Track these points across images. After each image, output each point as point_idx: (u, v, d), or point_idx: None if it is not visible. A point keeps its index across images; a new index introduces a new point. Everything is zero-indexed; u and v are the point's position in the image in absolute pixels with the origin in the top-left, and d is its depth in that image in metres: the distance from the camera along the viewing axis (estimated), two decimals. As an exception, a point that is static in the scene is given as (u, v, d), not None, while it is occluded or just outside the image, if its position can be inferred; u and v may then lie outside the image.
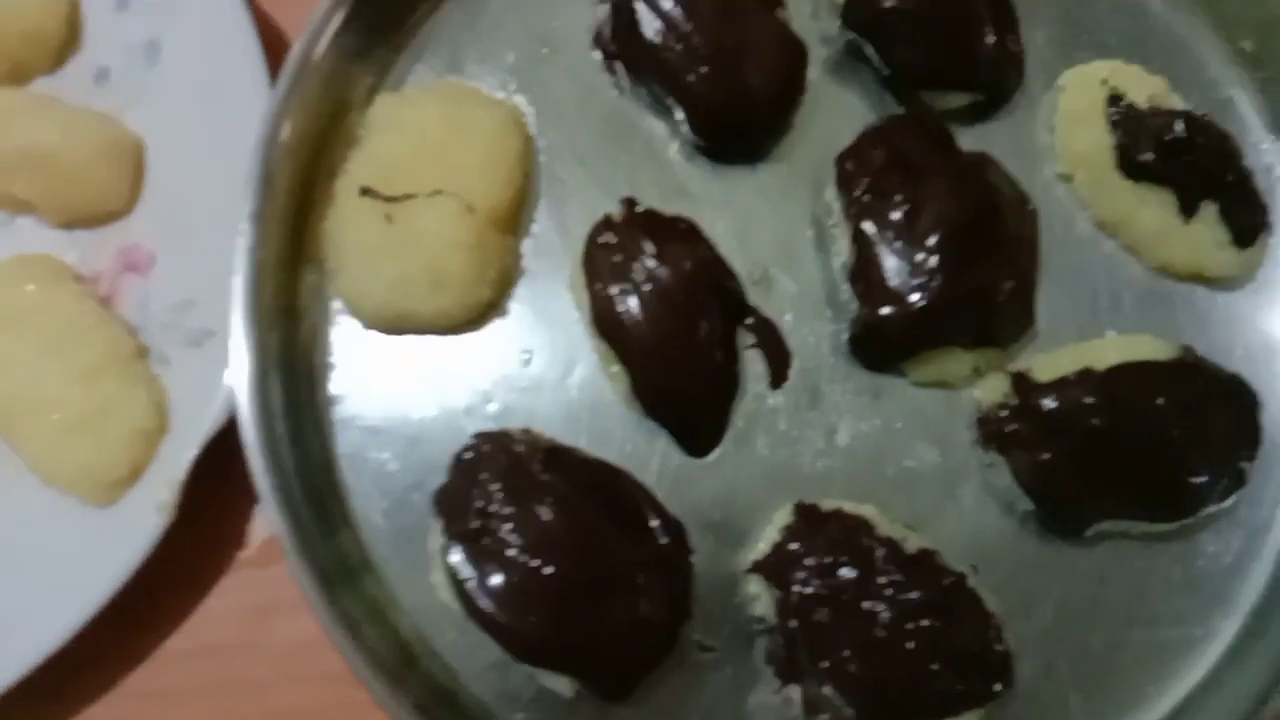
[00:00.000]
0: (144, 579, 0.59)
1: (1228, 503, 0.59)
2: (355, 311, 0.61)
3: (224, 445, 0.59)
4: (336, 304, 0.62)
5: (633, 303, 0.59)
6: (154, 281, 0.64)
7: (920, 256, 0.58)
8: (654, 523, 0.58)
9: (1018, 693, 0.57)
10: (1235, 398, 0.59)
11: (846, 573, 0.56)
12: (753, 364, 0.62)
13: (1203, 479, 0.57)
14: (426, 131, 0.61)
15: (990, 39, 0.63)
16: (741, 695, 0.58)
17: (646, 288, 0.59)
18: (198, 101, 0.65)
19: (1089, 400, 0.57)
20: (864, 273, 0.60)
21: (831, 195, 0.63)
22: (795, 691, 0.58)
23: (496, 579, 0.55)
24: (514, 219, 0.62)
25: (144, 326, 0.64)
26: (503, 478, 0.56)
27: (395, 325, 0.61)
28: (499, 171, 0.61)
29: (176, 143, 0.65)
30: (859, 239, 0.60)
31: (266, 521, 0.58)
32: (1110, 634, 0.60)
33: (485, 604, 0.55)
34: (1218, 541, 0.61)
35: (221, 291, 0.58)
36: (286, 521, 0.57)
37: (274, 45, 0.65)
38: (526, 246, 0.64)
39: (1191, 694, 0.59)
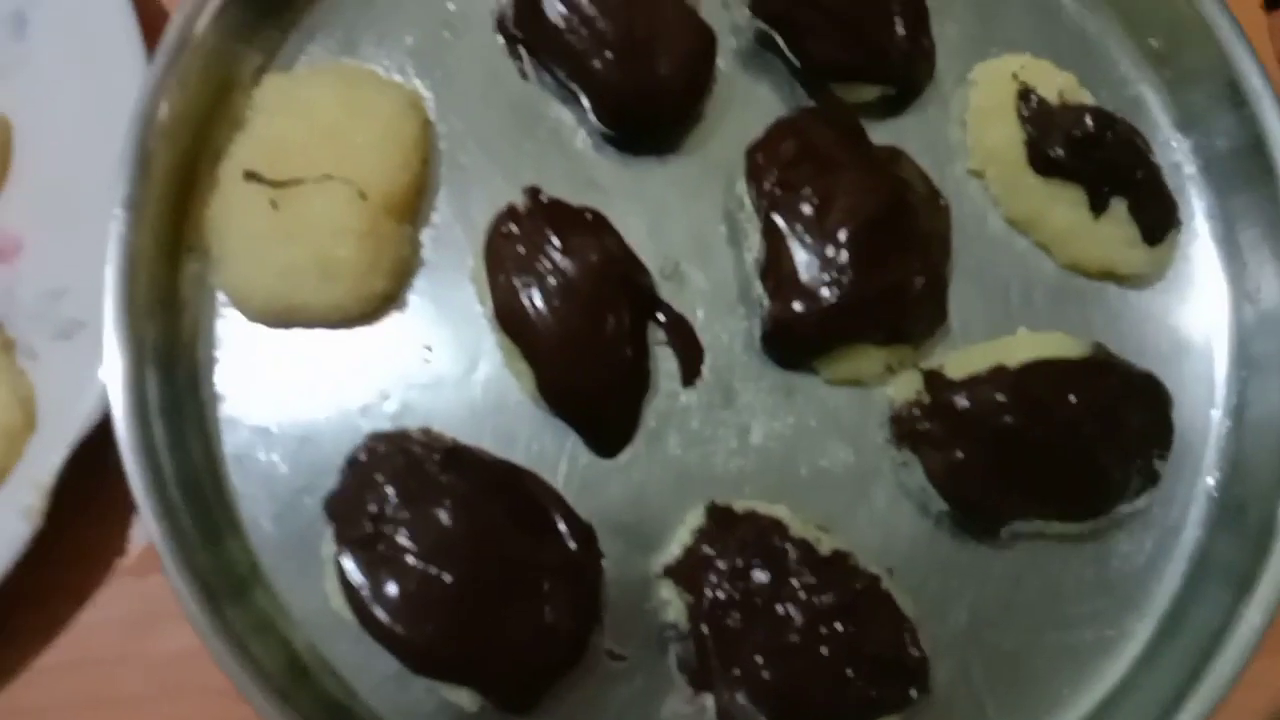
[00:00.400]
0: (11, 590, 0.54)
1: (1141, 502, 0.58)
2: (241, 303, 0.58)
3: (100, 445, 0.55)
4: (221, 295, 0.58)
5: (537, 297, 0.56)
6: (21, 269, 0.59)
7: (831, 251, 0.57)
8: (561, 526, 0.55)
9: (934, 698, 0.56)
10: (1148, 396, 0.58)
11: (759, 576, 0.54)
12: (664, 361, 0.60)
13: (1116, 477, 0.57)
14: (317, 113, 0.57)
15: (901, 32, 0.62)
16: (653, 704, 0.56)
17: (551, 281, 0.56)
18: (69, 78, 0.60)
19: (1001, 398, 0.56)
20: (774, 268, 0.58)
21: (742, 188, 0.62)
22: (708, 700, 0.55)
23: (391, 587, 0.51)
24: (411, 207, 0.59)
25: (9, 317, 0.59)
26: (398, 480, 0.53)
27: (284, 318, 0.58)
28: (394, 156, 0.58)
29: (46, 121, 0.61)
30: (769, 233, 0.59)
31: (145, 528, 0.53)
32: (1025, 636, 0.59)
33: (380, 614, 0.51)
34: (1131, 542, 0.60)
35: (95, 281, 0.54)
36: (165, 529, 0.53)
37: (153, 19, 0.61)
38: (426, 236, 0.61)
39: (1108, 696, 0.58)
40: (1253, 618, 0.57)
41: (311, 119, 0.57)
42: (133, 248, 0.55)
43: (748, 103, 0.64)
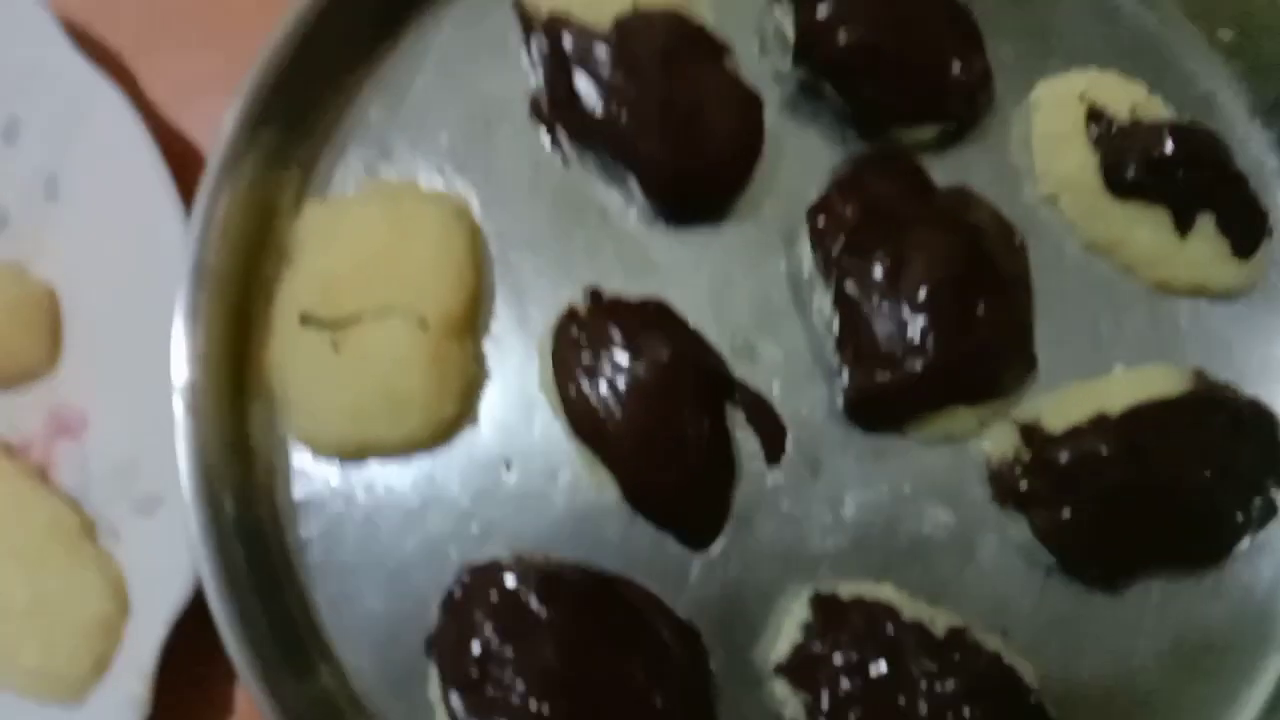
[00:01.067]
0: (125, 766, 0.54)
1: (1261, 536, 0.56)
2: (312, 446, 0.57)
3: (194, 609, 0.54)
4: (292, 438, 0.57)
5: (610, 403, 0.54)
6: (90, 444, 0.58)
7: (909, 316, 0.55)
8: (664, 632, 0.54)
9: (1068, 763, 0.54)
10: (1257, 425, 0.56)
11: (876, 668, 0.53)
12: (746, 442, 0.58)
13: (1234, 517, 0.55)
14: (364, 242, 0.56)
15: (957, 65, 0.58)
16: (777, 802, 0.55)
17: (622, 385, 0.54)
18: (107, 238, 0.58)
19: (1106, 451, 0.54)
20: (851, 336, 0.56)
21: (803, 249, 0.59)
22: (838, 795, 0.54)
23: (505, 727, 0.51)
24: (470, 322, 0.57)
25: (86, 497, 0.58)
26: (497, 616, 0.52)
27: (357, 454, 0.57)
28: (449, 275, 0.56)
29: (91, 286, 0.59)
30: (841, 300, 0.56)
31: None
32: (1152, 683, 0.57)
33: (497, 757, 0.51)
34: (1250, 571, 0.58)
35: (166, 447, 0.53)
36: (265, 690, 0.52)
37: (183, 157, 0.59)
38: (487, 345, 0.59)
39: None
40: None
41: (359, 248, 0.55)
42: (198, 410, 0.54)
43: (798, 156, 0.61)
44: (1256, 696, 0.57)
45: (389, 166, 0.61)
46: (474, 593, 0.53)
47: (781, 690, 0.54)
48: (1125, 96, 0.59)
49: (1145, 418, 0.54)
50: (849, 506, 0.58)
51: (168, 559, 0.53)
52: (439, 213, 0.57)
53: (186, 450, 0.53)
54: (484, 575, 0.53)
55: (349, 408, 0.54)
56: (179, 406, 0.53)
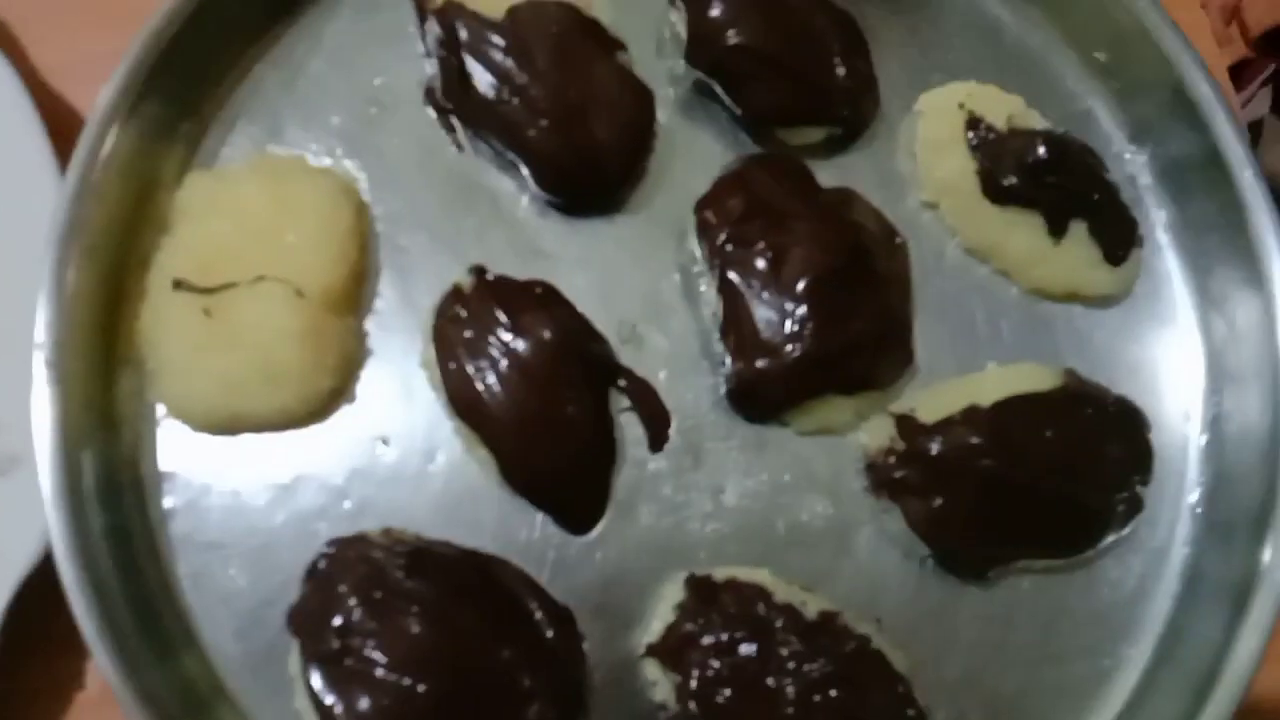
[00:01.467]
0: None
1: (1127, 529, 0.57)
2: (182, 416, 0.55)
3: (46, 577, 0.52)
4: (161, 407, 0.56)
5: (492, 381, 0.54)
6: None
7: (789, 306, 0.55)
8: (538, 614, 0.54)
9: (934, 751, 0.55)
10: (1124, 422, 0.57)
11: (746, 649, 0.52)
12: (630, 428, 0.58)
13: (1100, 510, 0.56)
14: (245, 212, 0.55)
15: (841, 70, 0.60)
16: (649, 788, 0.54)
17: (504, 364, 0.54)
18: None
19: (976, 441, 0.55)
20: (734, 326, 0.57)
21: (694, 243, 0.60)
22: (706, 776, 0.53)
23: (364, 703, 0.49)
24: (352, 298, 0.57)
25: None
26: (362, 589, 0.51)
27: (229, 426, 0.55)
28: (330, 249, 0.55)
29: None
30: (726, 291, 0.57)
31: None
32: (1020, 676, 0.57)
33: (354, 732, 0.49)
34: (1119, 567, 0.59)
35: (28, 411, 0.51)
36: (116, 662, 0.50)
37: (66, 127, 0.58)
38: (370, 324, 0.58)
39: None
40: (1251, 632, 0.55)
41: (239, 218, 0.55)
42: (62, 371, 0.52)
43: (691, 154, 0.62)
44: (1121, 688, 0.58)
45: (279, 144, 0.60)
46: (338, 564, 0.52)
47: (652, 671, 0.54)
48: (1004, 107, 0.62)
49: (1015, 409, 0.55)
50: (730, 495, 0.58)
51: (20, 522, 0.51)
52: (324, 187, 0.57)
53: (45, 411, 0.52)
54: (349, 546, 0.52)
55: (220, 375, 0.53)
56: (39, 366, 0.52)
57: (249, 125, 0.60)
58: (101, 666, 0.50)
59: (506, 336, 0.55)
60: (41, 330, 0.52)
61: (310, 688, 0.50)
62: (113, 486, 0.54)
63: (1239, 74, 0.83)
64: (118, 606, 0.52)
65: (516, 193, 0.61)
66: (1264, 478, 0.58)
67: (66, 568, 0.50)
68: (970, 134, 0.61)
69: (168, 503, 0.55)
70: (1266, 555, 0.57)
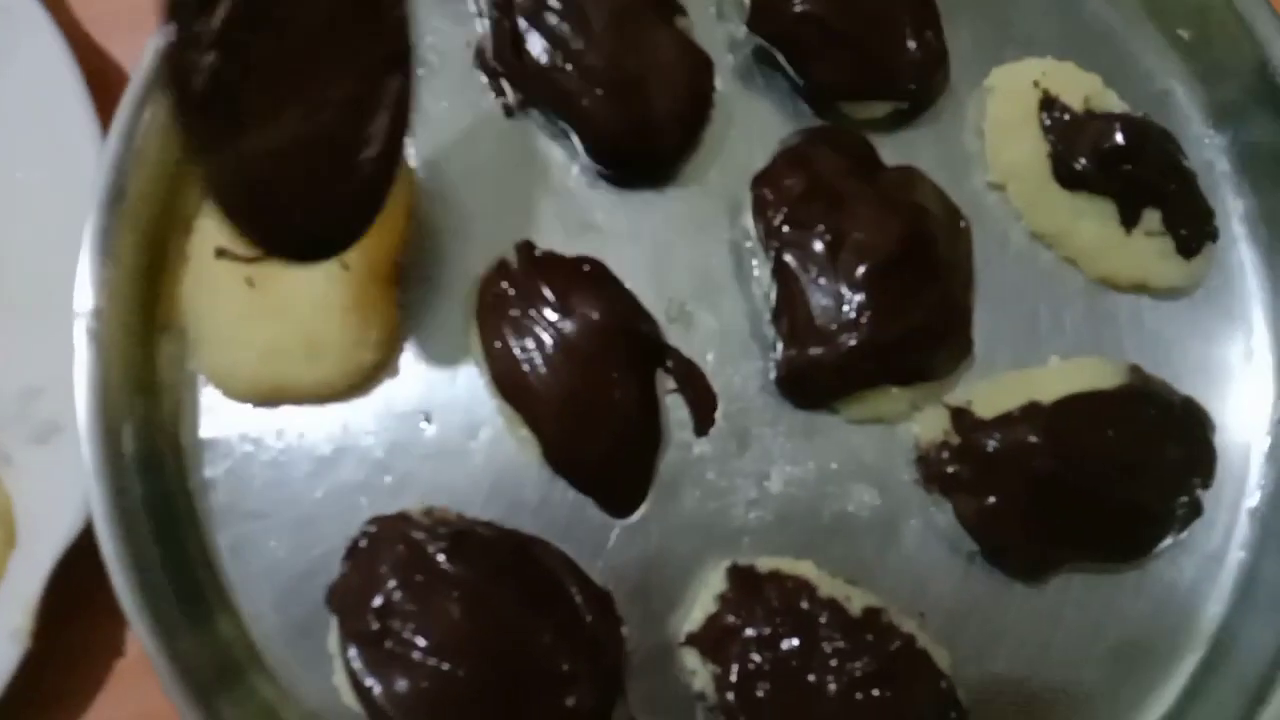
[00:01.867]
0: (7, 704, 0.51)
1: (1184, 533, 0.56)
2: (223, 386, 0.55)
3: (89, 546, 0.52)
4: (203, 376, 0.55)
5: (537, 362, 0.53)
6: (-3, 370, 0.55)
7: (846, 292, 0.53)
8: (578, 597, 0.53)
9: (975, 749, 0.54)
10: (1188, 424, 0.55)
11: (788, 643, 0.51)
12: (676, 410, 0.57)
13: (1159, 515, 0.54)
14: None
15: (912, 44, 0.57)
16: (685, 773, 0.54)
17: (550, 344, 0.53)
18: (23, 159, 0.56)
19: (1034, 439, 0.53)
20: (788, 310, 0.55)
21: (748, 220, 0.58)
22: (743, 765, 0.53)
23: (402, 684, 0.49)
24: (395, 270, 0.56)
25: (-10, 422, 0.55)
26: (402, 571, 0.50)
27: (270, 398, 0.55)
28: (381, 217, 0.53)
29: (8, 210, 0.57)
30: (780, 273, 0.55)
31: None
32: (1066, 675, 0.56)
33: (394, 714, 0.49)
34: (1173, 570, 0.57)
35: (70, 377, 0.51)
36: (155, 633, 0.50)
37: (110, 83, 0.57)
38: (414, 296, 0.57)
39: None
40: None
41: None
42: (103, 339, 0.51)
43: (749, 125, 0.60)
44: (1169, 694, 0.56)
45: (325, 105, 0.58)
46: (379, 543, 0.51)
47: (692, 660, 0.53)
48: (1080, 87, 0.59)
49: (1076, 409, 0.53)
50: (775, 482, 0.57)
51: (61, 490, 0.51)
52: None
53: (85, 378, 0.51)
54: (390, 526, 0.52)
55: (262, 347, 0.52)
56: (80, 333, 0.51)
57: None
58: (140, 635, 0.50)
59: (553, 315, 0.53)
60: (83, 296, 0.51)
61: (349, 667, 0.50)
62: (153, 455, 0.54)
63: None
64: (156, 575, 0.52)
65: (567, 162, 0.59)
66: (1327, 483, 0.56)
67: (106, 537, 0.50)
68: (1044, 114, 0.58)
69: (209, 472, 0.55)
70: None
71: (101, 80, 0.57)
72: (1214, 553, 0.58)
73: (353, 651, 0.50)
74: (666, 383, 0.57)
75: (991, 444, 0.53)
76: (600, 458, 0.54)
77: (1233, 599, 0.58)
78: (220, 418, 0.55)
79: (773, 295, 0.56)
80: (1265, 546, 0.58)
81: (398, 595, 0.50)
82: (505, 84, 0.58)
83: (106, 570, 0.51)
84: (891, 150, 0.59)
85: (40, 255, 0.55)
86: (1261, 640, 0.56)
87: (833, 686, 0.51)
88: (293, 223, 0.46)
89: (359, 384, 0.55)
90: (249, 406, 0.55)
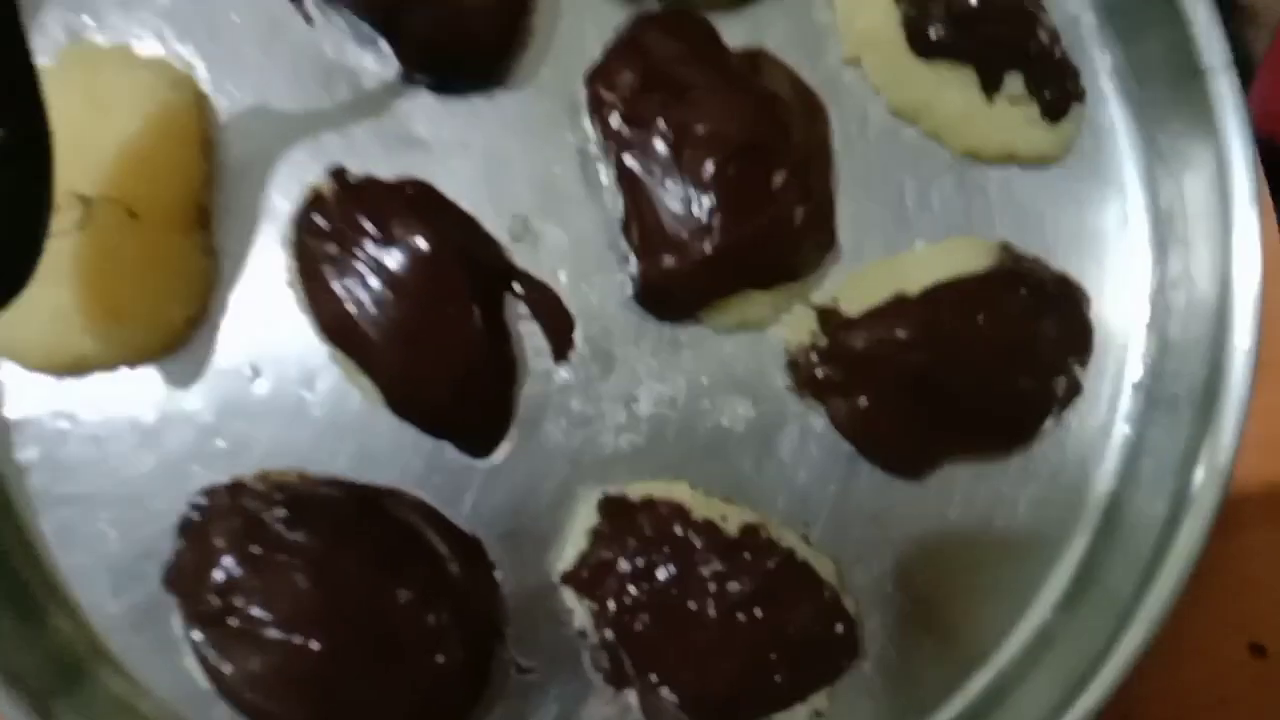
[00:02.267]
0: None
1: (1067, 414, 0.54)
2: (16, 359, 0.49)
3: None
4: (-4, 351, 0.50)
5: (364, 301, 0.48)
6: None
7: (695, 193, 0.49)
8: (441, 548, 0.50)
9: (867, 653, 0.53)
10: (1062, 300, 0.53)
11: (664, 572, 0.49)
12: (531, 338, 0.53)
13: (1038, 398, 0.52)
14: (56, 118, 0.47)
15: (747, -94, 0.52)
16: (573, 710, 0.52)
17: (376, 280, 0.48)
18: None
19: (902, 333, 0.50)
20: (636, 218, 0.51)
21: (589, 119, 0.53)
22: (631, 696, 0.51)
23: (255, 664, 0.46)
24: (197, 210, 0.50)
25: None
26: (239, 543, 0.46)
27: (74, 367, 0.49)
28: (164, 156, 0.48)
29: None
30: (624, 178, 0.51)
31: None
32: (958, 569, 0.55)
33: (248, 695, 0.46)
34: (1058, 451, 0.56)
35: None
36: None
37: None
38: (222, 238, 0.51)
39: (1050, 619, 0.55)
40: (1197, 508, 0.53)
41: (56, 128, 0.46)
42: None
43: (580, 11, 0.54)
44: (1062, 577, 0.55)
45: (96, 31, 0.52)
46: (212, 516, 0.47)
47: (569, 599, 0.51)
48: (933, -57, 0.54)
49: (944, 298, 0.51)
50: (644, 403, 0.53)
51: None
52: (152, 82, 0.49)
53: None
54: (222, 496, 0.48)
55: (52, 314, 0.47)
56: None
57: (58, 9, 0.51)
58: (-39, 643, 0.46)
59: (376, 249, 0.48)
60: None
61: (196, 651, 0.47)
62: (-51, 441, 0.48)
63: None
64: (-26, 574, 0.47)
65: (379, 70, 0.53)
66: (1210, 348, 0.54)
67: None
68: (896, -20, 0.53)
69: (20, 455, 0.50)
70: (1214, 427, 0.53)
71: None
72: (1098, 429, 0.56)
73: (197, 634, 0.47)
74: (518, 308, 0.53)
75: (859, 342, 0.51)
76: (448, 398, 0.50)
77: (1120, 474, 0.56)
78: (25, 394, 0.50)
79: (619, 204, 0.52)
80: (1149, 418, 0.56)
81: (238, 570, 0.46)
82: (300, -12, 0.52)
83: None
84: (738, 31, 0.55)
85: None
86: (1150, 512, 0.55)
87: (713, 611, 0.49)
88: None
89: (173, 343, 0.50)
90: (55, 379, 0.50)
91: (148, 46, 0.52)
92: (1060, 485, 0.56)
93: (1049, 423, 0.54)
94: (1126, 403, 0.57)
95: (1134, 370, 0.57)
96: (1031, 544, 0.55)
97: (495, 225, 0.53)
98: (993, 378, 0.51)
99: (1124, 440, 0.56)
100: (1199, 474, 0.53)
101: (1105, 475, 0.56)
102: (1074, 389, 0.53)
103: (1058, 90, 0.54)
